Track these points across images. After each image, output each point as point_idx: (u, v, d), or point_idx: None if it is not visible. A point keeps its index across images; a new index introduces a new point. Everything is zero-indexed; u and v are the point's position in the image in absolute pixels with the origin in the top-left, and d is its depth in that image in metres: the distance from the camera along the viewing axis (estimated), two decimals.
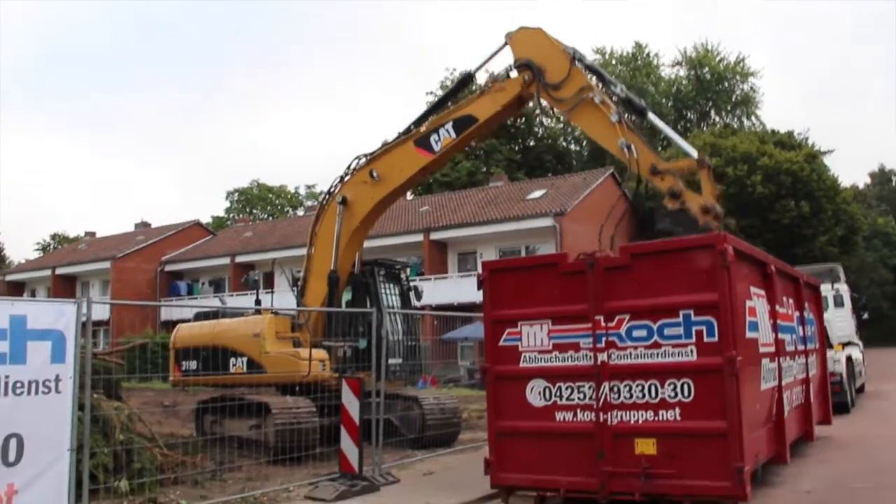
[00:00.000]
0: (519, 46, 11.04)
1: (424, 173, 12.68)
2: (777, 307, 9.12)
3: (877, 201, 74.88)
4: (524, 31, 11.07)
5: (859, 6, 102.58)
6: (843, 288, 21.14)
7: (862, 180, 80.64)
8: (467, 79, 11.92)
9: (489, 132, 13.32)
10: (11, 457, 6.23)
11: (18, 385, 6.34)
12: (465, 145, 12.49)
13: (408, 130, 12.11)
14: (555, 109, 10.86)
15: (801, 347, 10.73)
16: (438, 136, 11.69)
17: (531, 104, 11.82)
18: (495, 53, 11.42)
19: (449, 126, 11.62)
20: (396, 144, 12.20)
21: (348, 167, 12.62)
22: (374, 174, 12.23)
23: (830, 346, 15.73)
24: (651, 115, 10.57)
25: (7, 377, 6.27)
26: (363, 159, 12.49)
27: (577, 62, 10.54)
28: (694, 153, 9.83)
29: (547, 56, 10.73)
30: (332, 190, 12.88)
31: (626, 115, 10.23)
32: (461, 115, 11.58)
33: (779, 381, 8.84)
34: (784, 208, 45.17)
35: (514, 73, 11.12)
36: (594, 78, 10.76)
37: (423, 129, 11.96)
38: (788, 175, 45.45)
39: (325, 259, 12.50)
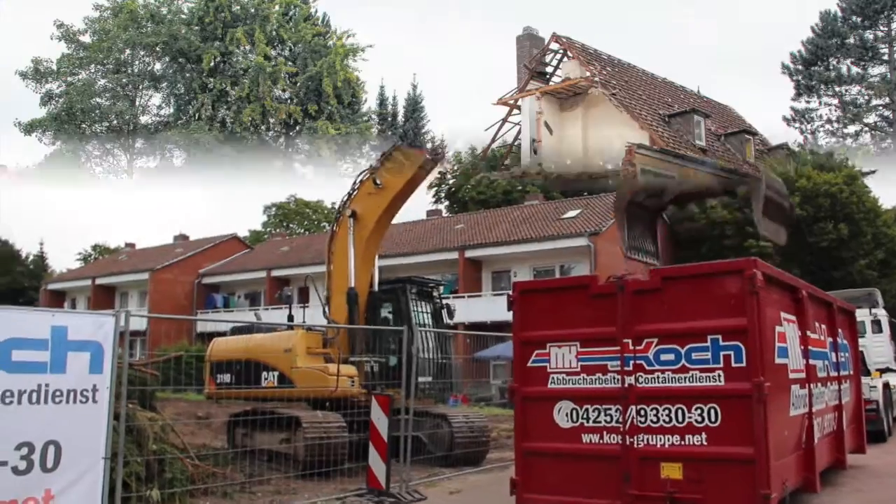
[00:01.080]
0: None
1: (424, 170, 13.15)
2: (808, 333, 9.03)
3: None
4: None
5: None
6: (882, 313, 20.71)
7: None
8: None
9: None
10: (49, 463, 6.41)
11: (58, 394, 6.54)
12: None
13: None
14: None
15: (833, 374, 10.59)
16: None
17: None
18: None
19: None
20: (395, 150, 12.97)
21: (354, 183, 13.26)
22: (378, 182, 12.84)
23: (867, 373, 15.47)
24: None
25: (47, 385, 6.48)
26: (367, 173, 13.12)
27: None
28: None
29: None
30: (341, 208, 13.48)
31: None
32: None
33: (809, 408, 8.74)
34: (822, 231, 44.50)
35: None
36: None
37: None
38: (827, 197, 44.82)
39: (344, 275, 12.98)
